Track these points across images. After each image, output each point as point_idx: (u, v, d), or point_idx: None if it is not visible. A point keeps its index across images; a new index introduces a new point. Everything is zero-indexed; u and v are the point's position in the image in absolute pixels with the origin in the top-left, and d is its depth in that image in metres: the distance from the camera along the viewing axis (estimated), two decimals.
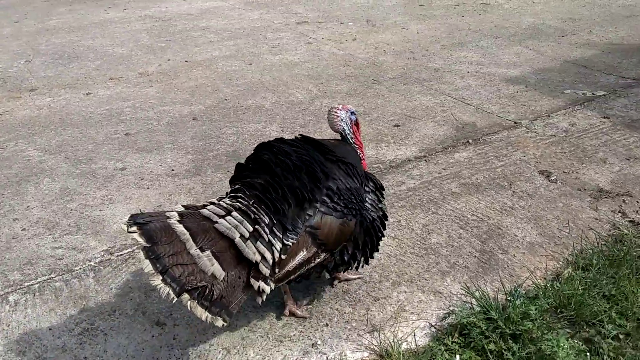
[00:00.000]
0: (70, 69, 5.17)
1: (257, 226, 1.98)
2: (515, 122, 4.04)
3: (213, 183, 3.26)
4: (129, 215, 1.87)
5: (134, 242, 2.06)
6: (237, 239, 1.93)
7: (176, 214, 1.95)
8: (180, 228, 1.89)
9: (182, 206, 2.03)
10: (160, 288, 1.76)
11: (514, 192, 3.23)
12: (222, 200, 2.08)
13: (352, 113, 2.52)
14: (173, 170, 3.42)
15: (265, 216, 2.02)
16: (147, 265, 1.78)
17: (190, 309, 1.80)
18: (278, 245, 2.01)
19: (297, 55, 5.50)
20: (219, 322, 1.84)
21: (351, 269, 2.38)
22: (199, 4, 7.49)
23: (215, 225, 1.94)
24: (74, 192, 3.19)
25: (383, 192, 2.44)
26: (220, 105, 4.36)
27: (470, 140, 3.79)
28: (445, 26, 6.36)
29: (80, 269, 2.57)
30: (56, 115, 4.20)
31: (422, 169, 3.46)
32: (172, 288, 1.77)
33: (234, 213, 1.99)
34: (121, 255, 2.65)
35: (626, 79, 4.77)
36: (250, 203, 2.04)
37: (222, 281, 1.88)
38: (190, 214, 1.98)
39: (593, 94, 4.48)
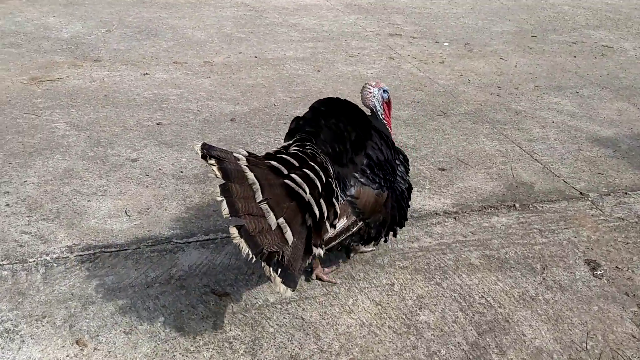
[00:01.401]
0: (143, 45, 5.22)
1: (329, 179, 2.03)
2: (581, 193, 3.46)
3: (214, 196, 3.06)
4: (202, 142, 1.89)
5: (209, 172, 1.91)
6: (307, 196, 1.94)
7: (244, 158, 1.93)
8: (251, 176, 1.87)
9: (247, 151, 2.02)
10: (239, 245, 1.76)
11: (544, 279, 2.72)
12: (293, 148, 2.12)
13: (384, 91, 2.59)
14: (181, 172, 3.26)
15: (332, 168, 2.10)
16: (224, 206, 1.77)
17: (270, 276, 1.82)
18: (338, 203, 2.07)
19: (372, 70, 5.17)
20: (289, 294, 1.87)
21: (380, 241, 2.47)
22: (299, 0, 7.35)
23: (286, 181, 1.94)
24: (76, 175, 3.13)
25: (408, 165, 2.60)
26: (266, 110, 4.16)
27: (517, 205, 3.28)
28: (550, 64, 5.71)
29: (34, 261, 2.47)
30: (104, 90, 4.22)
31: (446, 227, 3.03)
32: (250, 248, 1.77)
33: (310, 163, 2.01)
34: (80, 256, 2.52)
35: None
36: (319, 152, 2.09)
37: (290, 248, 1.88)
38: (257, 162, 1.96)
39: None
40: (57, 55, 4.78)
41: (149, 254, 2.59)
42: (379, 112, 2.59)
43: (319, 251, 2.01)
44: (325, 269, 2.53)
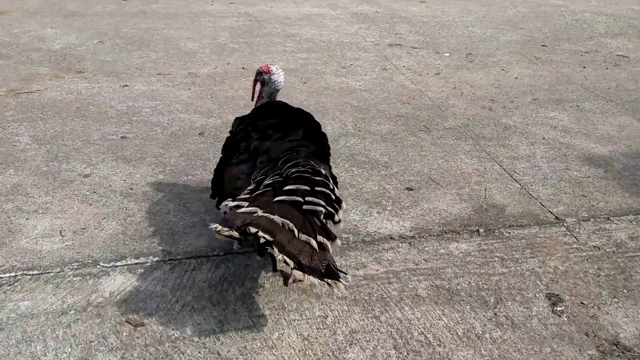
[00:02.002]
0: (131, 56, 5.18)
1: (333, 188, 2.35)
2: (557, 218, 3.20)
3: (157, 215, 2.94)
4: (223, 224, 1.98)
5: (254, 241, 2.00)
6: (323, 210, 2.19)
7: (258, 209, 2.07)
8: (278, 219, 2.02)
9: (246, 194, 2.23)
10: (302, 279, 1.91)
11: (495, 314, 2.49)
12: (292, 171, 2.30)
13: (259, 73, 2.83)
14: (131, 189, 3.16)
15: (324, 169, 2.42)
16: (280, 258, 1.92)
17: (334, 289, 1.98)
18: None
19: (362, 82, 4.99)
20: (347, 281, 2.17)
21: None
22: (305, 9, 7.22)
23: (304, 207, 2.14)
24: (22, 191, 3.07)
25: None
26: None
27: (481, 230, 3.05)
28: (555, 76, 5.40)
29: None
30: (77, 103, 4.18)
31: (399, 253, 2.83)
32: (316, 275, 1.94)
33: (316, 188, 2.23)
34: (0, 278, 2.44)
35: None
36: (308, 161, 2.38)
37: (330, 253, 2.10)
38: (265, 203, 2.11)
39: None
40: (43, 66, 4.78)
41: (71, 278, 2.48)
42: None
43: (338, 242, 2.22)
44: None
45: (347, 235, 2.93)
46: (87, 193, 3.09)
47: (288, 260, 1.91)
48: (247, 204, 2.11)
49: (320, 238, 2.07)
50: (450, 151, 3.89)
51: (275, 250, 1.90)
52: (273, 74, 2.80)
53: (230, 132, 2.71)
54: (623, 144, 4.14)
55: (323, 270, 1.98)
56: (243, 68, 5.11)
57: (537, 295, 2.60)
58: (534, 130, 4.28)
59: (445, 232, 3.01)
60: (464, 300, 2.54)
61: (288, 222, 2.02)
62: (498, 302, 2.54)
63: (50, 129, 3.76)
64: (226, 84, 4.74)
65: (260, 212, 2.03)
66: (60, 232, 2.76)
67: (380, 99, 4.64)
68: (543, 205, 3.32)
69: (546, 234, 3.06)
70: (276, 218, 2.01)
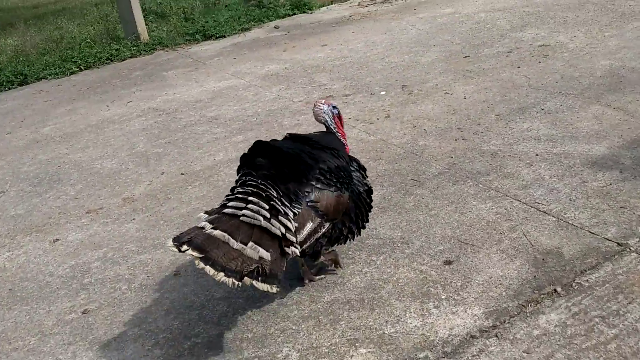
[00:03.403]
0: (46, 199, 4.36)
1: (271, 202, 2.43)
2: (619, 244, 2.85)
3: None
4: (172, 238, 2.31)
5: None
6: (263, 222, 2.37)
7: (208, 224, 2.36)
8: (218, 232, 2.30)
9: (205, 212, 2.51)
10: (224, 281, 2.20)
11: None
12: (236, 190, 2.55)
13: (334, 107, 3.00)
14: None
15: (273, 190, 2.48)
16: (209, 269, 2.21)
17: (252, 285, 2.25)
18: (291, 214, 2.47)
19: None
20: (274, 290, 2.29)
21: (350, 240, 2.86)
22: (212, 85, 6.66)
23: (242, 218, 2.37)
24: None
25: (365, 172, 2.98)
26: None
27: (559, 288, 2.62)
28: (498, 84, 5.21)
29: None
30: (7, 283, 3.34)
31: (492, 354, 2.31)
32: (234, 277, 2.22)
33: (250, 199, 2.43)
34: None
35: None
36: (259, 182, 2.49)
37: (268, 260, 2.31)
38: (217, 219, 2.39)
39: None
40: None
41: None
42: (331, 126, 3.00)
43: (293, 249, 2.42)
44: (312, 271, 2.93)
45: (424, 353, 2.37)
46: None
47: (211, 269, 2.22)
48: (206, 216, 2.46)
49: (251, 245, 2.31)
50: (457, 200, 3.47)
51: (201, 263, 2.23)
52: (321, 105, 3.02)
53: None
54: (614, 136, 3.93)
55: (245, 273, 2.25)
56: (182, 174, 4.45)
57: None
58: (521, 149, 3.97)
59: (524, 306, 2.55)
60: None
61: (225, 234, 2.31)
62: None
63: None
64: (173, 200, 4.06)
65: (208, 227, 2.35)
66: None
67: None
68: (594, 233, 2.96)
69: (623, 268, 2.69)
70: (216, 233, 2.31)
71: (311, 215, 2.56)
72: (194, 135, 5.20)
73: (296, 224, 2.48)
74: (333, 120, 2.99)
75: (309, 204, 2.55)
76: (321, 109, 2.96)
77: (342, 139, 3.01)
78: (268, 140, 2.77)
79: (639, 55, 5.36)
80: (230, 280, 2.20)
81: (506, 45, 6.34)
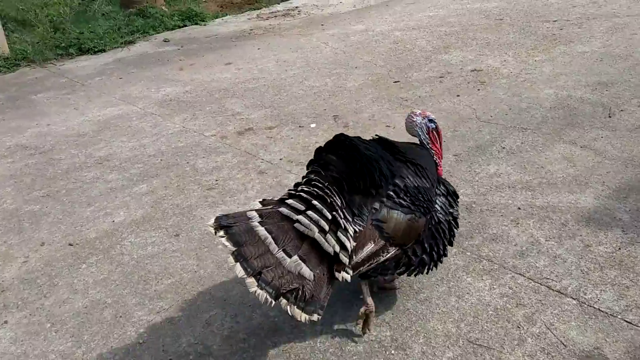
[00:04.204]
0: None
1: (334, 213, 2.15)
2: None
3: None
4: (214, 218, 2.11)
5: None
6: (317, 235, 2.11)
7: (256, 215, 2.14)
8: (262, 232, 2.08)
9: (260, 202, 2.31)
10: (257, 293, 1.97)
11: None
12: (300, 187, 2.27)
13: (430, 121, 2.69)
14: None
15: (338, 198, 2.19)
16: (239, 269, 1.99)
17: (289, 311, 2.02)
18: (351, 230, 2.17)
19: (246, 203, 3.64)
20: (315, 317, 2.05)
21: (420, 273, 2.51)
22: (96, 113, 5.51)
23: (295, 225, 2.13)
24: None
25: (456, 199, 2.62)
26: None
27: None
28: (443, 116, 4.68)
29: None
30: None
31: None
32: (269, 292, 1.98)
33: (314, 203, 2.15)
34: None
35: None
36: (325, 185, 2.22)
37: (310, 280, 2.06)
38: (269, 214, 2.16)
39: None
40: None
41: None
42: (424, 141, 2.67)
43: (344, 275, 2.13)
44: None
45: None
46: None
47: (241, 270, 1.98)
48: (259, 206, 2.26)
49: (295, 259, 2.06)
50: (448, 277, 2.82)
51: (232, 259, 2.01)
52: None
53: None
54: (596, 183, 3.51)
55: (283, 291, 2.01)
56: (71, 245, 3.38)
57: None
58: (498, 201, 3.42)
59: None
60: None
61: (269, 237, 2.08)
62: None
63: None
64: (61, 286, 3.00)
65: (255, 220, 2.12)
66: None
67: None
68: (631, 324, 2.42)
69: None
70: (260, 231, 2.08)
71: (374, 235, 2.25)
72: (81, 185, 4.09)
73: (354, 243, 2.17)
74: (427, 135, 2.68)
75: (374, 222, 2.25)
76: (413, 121, 2.68)
77: (435, 157, 2.67)
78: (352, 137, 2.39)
79: (579, 83, 5.10)
80: (263, 295, 1.97)
81: (435, 69, 5.88)
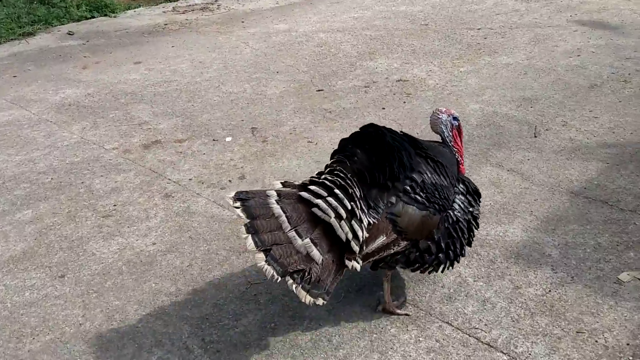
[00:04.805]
0: None
1: (352, 203, 2.19)
2: None
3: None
4: (236, 192, 2.19)
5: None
6: (333, 220, 2.16)
7: (275, 194, 2.21)
8: (277, 209, 2.15)
9: (281, 182, 2.37)
10: (264, 268, 2.03)
11: None
12: (324, 176, 2.30)
13: (454, 118, 2.73)
14: None
15: (357, 189, 2.25)
16: (250, 242, 2.05)
17: (295, 291, 2.07)
18: (365, 222, 2.22)
19: (152, 238, 3.24)
20: (320, 302, 2.10)
21: (434, 271, 2.53)
22: None
23: (313, 209, 2.18)
24: None
25: (478, 198, 2.63)
26: None
27: None
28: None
29: None
30: None
31: None
32: (276, 269, 2.05)
33: (336, 191, 2.19)
34: None
35: None
36: (348, 176, 2.26)
37: (318, 263, 2.12)
38: (287, 194, 2.23)
39: None
40: None
41: None
42: (447, 138, 2.70)
43: (354, 264, 2.18)
44: (395, 302, 2.62)
45: None
46: None
47: (252, 243, 2.05)
48: (279, 187, 2.34)
49: (307, 241, 2.12)
50: (369, 328, 2.57)
51: (243, 229, 2.08)
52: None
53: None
54: (525, 212, 3.36)
55: (290, 270, 2.07)
56: None
57: None
58: None
59: None
60: None
61: (283, 215, 2.14)
62: None
63: None
64: None
65: (273, 197, 2.18)
66: None
67: (199, 265, 2.99)
68: None
69: None
70: (275, 208, 2.15)
71: (388, 228, 2.30)
72: None
73: (367, 234, 2.22)
74: (451, 133, 2.72)
75: (388, 215, 2.30)
76: (439, 118, 2.72)
77: (457, 155, 2.70)
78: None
79: (504, 98, 5.01)
80: (270, 271, 2.04)
81: (360, 77, 5.64)
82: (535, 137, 4.29)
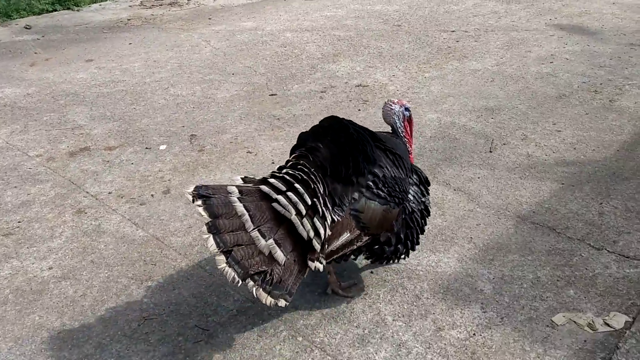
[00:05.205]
0: None
1: (314, 199, 2.16)
2: None
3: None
4: (196, 186, 2.11)
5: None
6: (293, 217, 2.12)
7: (236, 190, 2.14)
8: (240, 207, 2.08)
9: (241, 178, 2.34)
10: (224, 270, 1.98)
11: None
12: (285, 170, 2.27)
13: (406, 109, 2.73)
14: None
15: (321, 185, 2.21)
16: (211, 243, 1.99)
17: (255, 294, 2.03)
18: (329, 219, 2.19)
19: (49, 261, 2.95)
20: (282, 303, 2.07)
21: (392, 262, 2.67)
22: None
23: (273, 204, 2.13)
24: None
25: (428, 187, 2.66)
26: None
27: None
28: None
29: None
30: None
31: None
32: (237, 271, 1.99)
33: (296, 186, 2.16)
34: None
35: (632, 260, 2.87)
36: (311, 170, 2.22)
37: (281, 264, 2.08)
38: (249, 191, 2.17)
39: (605, 324, 2.49)
40: None
41: None
42: (399, 129, 2.72)
43: (316, 264, 2.16)
44: (342, 284, 2.65)
45: None
46: None
47: (213, 243, 1.99)
48: (240, 183, 2.28)
49: (270, 242, 2.07)
50: None
51: (205, 229, 2.01)
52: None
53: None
54: (463, 239, 3.08)
55: (251, 273, 2.02)
56: None
57: None
58: (348, 264, 2.90)
59: None
60: None
61: (246, 214, 2.07)
62: None
63: None
64: None
65: (235, 195, 2.12)
66: None
67: (108, 308, 2.70)
68: None
69: None
70: (238, 207, 2.08)
71: (351, 225, 2.30)
72: None
73: (330, 232, 2.21)
74: (403, 124, 2.74)
75: (352, 212, 2.29)
76: (392, 109, 2.71)
77: (407, 145, 2.73)
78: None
79: (465, 107, 4.72)
80: (231, 274, 1.98)
81: (319, 81, 5.35)
82: (491, 152, 4.00)
